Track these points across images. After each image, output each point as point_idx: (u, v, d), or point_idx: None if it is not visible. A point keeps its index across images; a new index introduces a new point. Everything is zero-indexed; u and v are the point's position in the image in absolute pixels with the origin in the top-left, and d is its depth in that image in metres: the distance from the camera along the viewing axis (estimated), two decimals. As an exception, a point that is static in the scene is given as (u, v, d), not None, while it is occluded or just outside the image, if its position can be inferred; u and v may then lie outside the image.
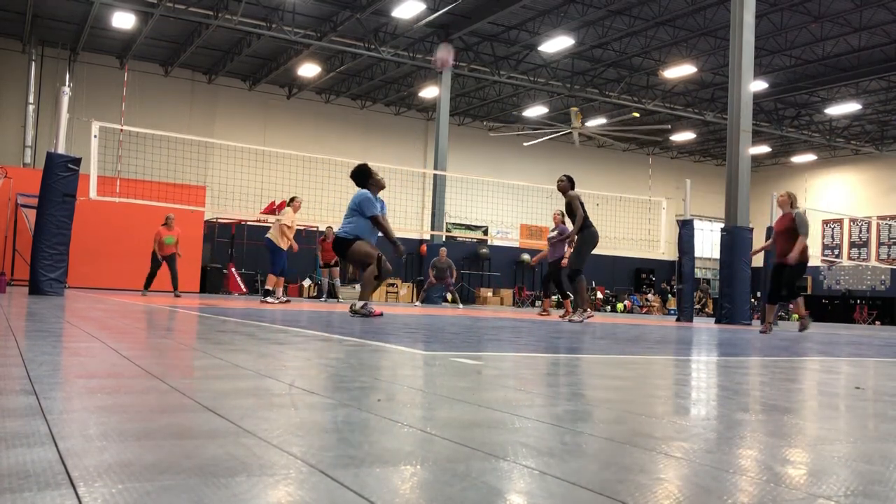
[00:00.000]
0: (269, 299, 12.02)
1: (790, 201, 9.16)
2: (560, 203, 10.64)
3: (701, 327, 10.39)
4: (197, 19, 18.74)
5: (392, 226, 8.29)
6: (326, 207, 20.80)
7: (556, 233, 12.58)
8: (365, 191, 8.04)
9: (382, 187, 8.22)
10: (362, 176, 8.15)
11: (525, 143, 27.18)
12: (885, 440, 1.58)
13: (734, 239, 12.47)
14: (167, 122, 22.36)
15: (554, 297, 17.61)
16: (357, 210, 7.96)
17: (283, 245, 12.46)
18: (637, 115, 23.61)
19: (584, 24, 19.37)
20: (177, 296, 14.12)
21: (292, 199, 12.80)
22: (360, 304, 7.68)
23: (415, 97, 25.69)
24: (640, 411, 1.85)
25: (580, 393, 2.16)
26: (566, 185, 9.79)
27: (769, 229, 14.49)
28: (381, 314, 7.87)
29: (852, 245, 29.50)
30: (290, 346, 3.40)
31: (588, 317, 9.58)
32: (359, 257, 7.91)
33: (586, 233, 9.52)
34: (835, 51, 20.15)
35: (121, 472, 1.01)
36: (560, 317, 11.72)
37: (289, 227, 12.51)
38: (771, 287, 9.23)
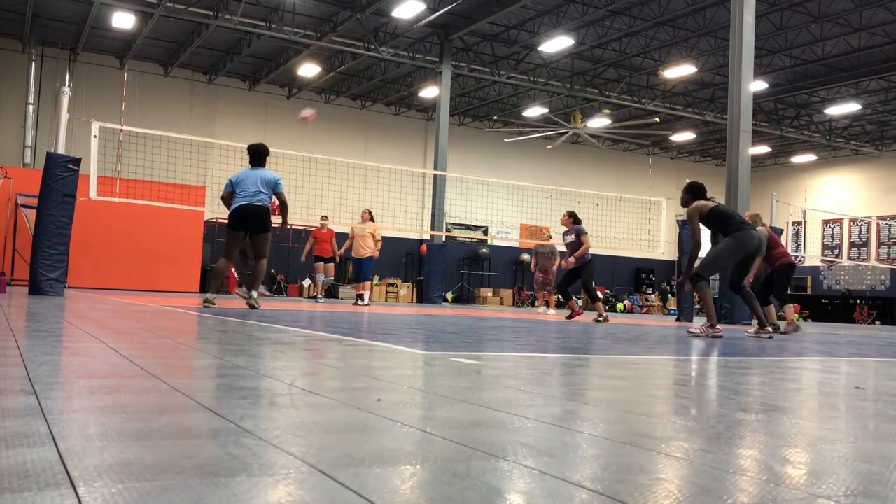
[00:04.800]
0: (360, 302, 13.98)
1: (753, 221, 9.91)
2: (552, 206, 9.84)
3: (701, 327, 10.37)
4: (197, 19, 18.74)
5: (392, 226, 8.53)
6: (327, 207, 20.79)
7: (572, 237, 11.45)
8: (269, 170, 8.68)
9: None
10: (265, 155, 8.83)
11: (506, 140, 27.16)
12: (885, 440, 1.58)
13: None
14: (167, 122, 22.36)
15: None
16: (271, 187, 8.53)
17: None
18: (658, 119, 23.69)
19: (584, 24, 19.36)
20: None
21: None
22: (255, 293, 8.51)
23: (415, 97, 25.70)
24: (640, 411, 1.85)
25: (580, 393, 2.16)
26: (686, 200, 7.38)
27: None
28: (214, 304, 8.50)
29: (852, 245, 29.50)
30: (290, 346, 3.40)
31: (715, 334, 6.78)
32: (267, 246, 8.57)
33: (738, 234, 7.05)
34: (835, 51, 20.15)
35: (121, 472, 1.01)
36: (567, 317, 11.64)
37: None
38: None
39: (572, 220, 11.48)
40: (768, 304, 9.81)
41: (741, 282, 7.55)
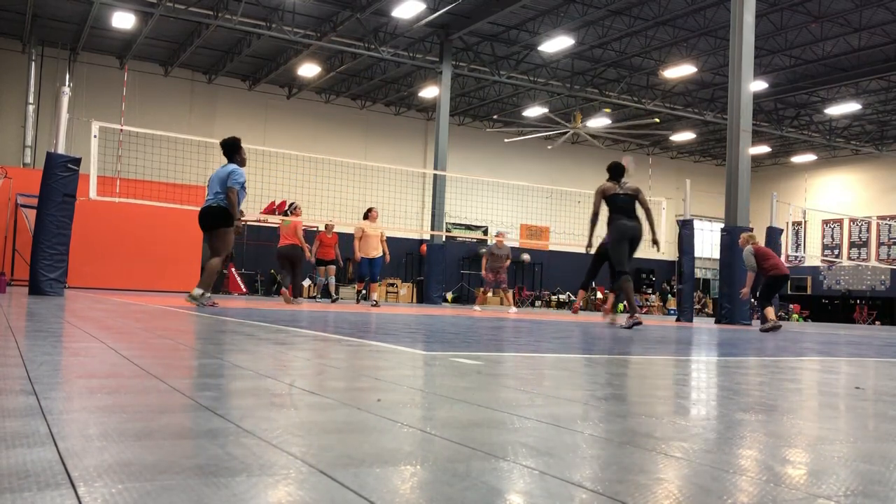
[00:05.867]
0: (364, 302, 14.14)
1: (746, 242, 10.28)
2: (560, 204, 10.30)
3: (701, 327, 10.40)
4: (197, 19, 18.74)
5: (392, 226, 8.48)
6: (327, 207, 20.80)
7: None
8: (234, 164, 8.54)
9: (245, 164, 8.78)
10: (234, 148, 8.67)
11: (506, 140, 27.18)
12: (885, 440, 1.58)
13: (734, 239, 12.47)
14: (167, 122, 22.37)
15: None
16: (224, 183, 8.43)
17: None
18: (658, 120, 23.70)
19: (584, 24, 19.37)
20: None
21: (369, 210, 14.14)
22: (198, 291, 8.46)
23: (415, 97, 25.70)
24: (640, 411, 1.85)
25: (580, 393, 2.16)
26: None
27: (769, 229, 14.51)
28: (215, 304, 8.61)
29: (852, 245, 29.51)
30: (290, 346, 3.40)
31: (635, 322, 7.99)
32: (224, 243, 8.50)
33: (611, 227, 8.44)
34: (835, 51, 20.15)
35: (121, 472, 1.01)
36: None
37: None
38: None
39: None
40: (770, 304, 10.07)
41: (624, 266, 8.42)
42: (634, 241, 8.38)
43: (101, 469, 1.03)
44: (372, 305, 13.94)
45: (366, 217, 14.09)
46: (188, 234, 18.68)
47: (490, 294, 17.32)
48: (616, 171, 8.58)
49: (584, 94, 23.56)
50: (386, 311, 10.46)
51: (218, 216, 8.46)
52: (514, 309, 15.18)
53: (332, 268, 15.70)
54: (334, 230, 15.53)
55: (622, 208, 8.34)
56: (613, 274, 9.12)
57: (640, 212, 8.52)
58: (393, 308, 13.24)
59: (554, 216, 26.54)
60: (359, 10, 18.36)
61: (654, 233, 8.61)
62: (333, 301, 15.99)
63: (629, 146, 30.87)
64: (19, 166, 20.15)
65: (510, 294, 15.46)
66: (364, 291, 14.52)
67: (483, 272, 15.38)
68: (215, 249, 8.56)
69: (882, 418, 1.94)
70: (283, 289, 13.03)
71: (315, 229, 21.29)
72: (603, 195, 8.46)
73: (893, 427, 1.78)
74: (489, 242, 24.79)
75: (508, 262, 15.08)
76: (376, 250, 13.94)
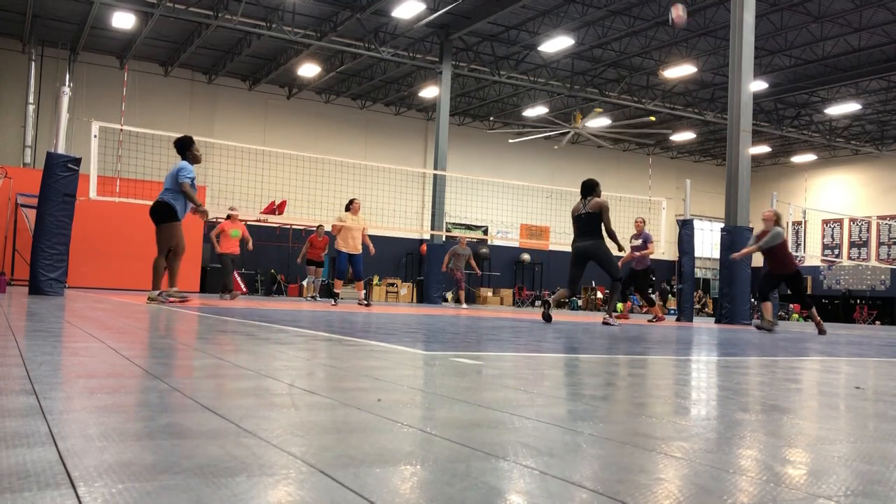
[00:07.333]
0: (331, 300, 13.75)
1: (775, 219, 10.16)
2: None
3: (701, 327, 10.39)
4: (197, 19, 18.74)
5: (392, 226, 8.49)
6: (326, 207, 20.80)
7: (640, 241, 13.07)
8: (184, 161, 8.75)
9: (199, 161, 9.01)
10: (185, 146, 8.91)
11: (510, 140, 27.19)
12: (885, 440, 1.58)
13: (734, 239, 12.47)
14: (167, 122, 22.36)
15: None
16: (174, 179, 8.63)
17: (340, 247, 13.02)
18: (653, 118, 23.72)
19: (584, 24, 19.37)
20: None
21: (351, 202, 13.31)
22: (154, 292, 8.57)
23: (415, 97, 25.70)
24: (640, 411, 1.85)
25: (580, 393, 2.15)
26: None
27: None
28: (187, 300, 8.83)
29: (852, 245, 29.51)
30: (290, 346, 3.40)
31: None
32: (164, 238, 8.57)
33: None
34: (835, 51, 20.15)
35: (121, 472, 1.01)
36: (648, 321, 12.31)
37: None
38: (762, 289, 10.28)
39: (644, 226, 13.04)
40: (767, 300, 10.11)
41: (573, 283, 9.41)
42: (585, 256, 9.04)
43: (101, 469, 1.03)
44: (359, 303, 13.17)
45: (347, 208, 12.99)
46: (188, 234, 18.66)
47: (491, 293, 18.50)
48: (583, 189, 9.07)
49: (584, 94, 23.56)
50: (386, 311, 10.46)
51: (159, 212, 8.62)
52: (453, 304, 16.22)
53: (320, 269, 16.22)
54: (324, 232, 15.64)
55: (579, 228, 9.09)
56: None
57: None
58: (393, 308, 13.23)
59: (554, 216, 26.53)
60: (359, 10, 18.35)
61: (615, 243, 9.27)
62: (313, 299, 16.13)
63: (629, 146, 30.87)
64: (19, 166, 20.14)
65: (461, 291, 17.65)
66: (356, 290, 14.04)
67: (451, 270, 17.14)
68: (158, 246, 8.70)
69: (882, 418, 1.94)
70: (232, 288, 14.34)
71: (314, 229, 21.32)
72: (572, 215, 9.27)
73: (893, 427, 1.78)
74: (490, 242, 25.29)
75: (470, 260, 17.06)
76: (357, 246, 12.84)
